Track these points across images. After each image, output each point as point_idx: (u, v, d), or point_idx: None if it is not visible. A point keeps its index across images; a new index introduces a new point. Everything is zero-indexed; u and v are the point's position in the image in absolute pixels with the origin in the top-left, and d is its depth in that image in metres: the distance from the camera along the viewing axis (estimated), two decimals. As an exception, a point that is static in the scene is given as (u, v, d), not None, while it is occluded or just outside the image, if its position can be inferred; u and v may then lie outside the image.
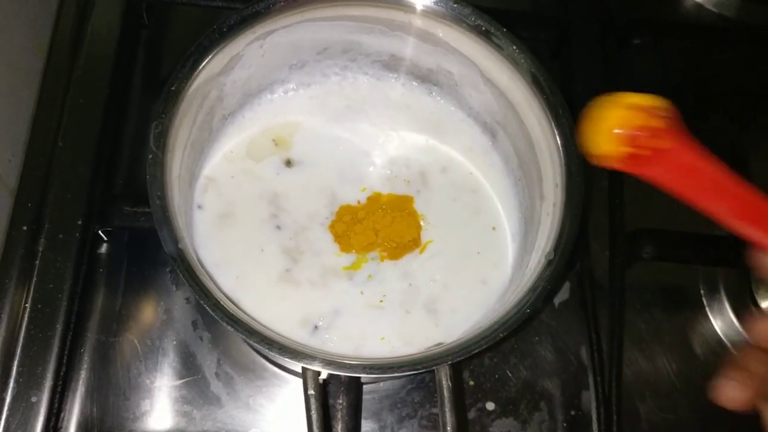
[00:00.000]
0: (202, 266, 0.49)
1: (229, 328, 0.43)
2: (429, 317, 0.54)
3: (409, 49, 0.58)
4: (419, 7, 0.53)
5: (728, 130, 0.72)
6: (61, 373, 0.54)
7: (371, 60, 0.60)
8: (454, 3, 0.52)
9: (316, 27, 0.55)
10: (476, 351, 0.43)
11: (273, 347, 0.43)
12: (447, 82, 0.60)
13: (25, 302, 0.55)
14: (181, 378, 0.57)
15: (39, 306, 0.55)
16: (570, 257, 0.46)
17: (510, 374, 0.60)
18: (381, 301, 0.54)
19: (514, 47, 0.51)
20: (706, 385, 0.61)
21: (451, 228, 0.57)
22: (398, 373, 0.43)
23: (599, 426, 0.57)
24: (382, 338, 0.53)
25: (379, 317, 0.54)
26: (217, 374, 0.58)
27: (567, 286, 0.63)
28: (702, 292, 0.65)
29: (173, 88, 0.48)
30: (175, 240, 0.44)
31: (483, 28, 0.52)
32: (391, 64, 0.60)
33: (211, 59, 0.50)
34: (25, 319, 0.55)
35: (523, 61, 0.51)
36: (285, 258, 0.55)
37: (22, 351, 0.54)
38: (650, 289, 0.64)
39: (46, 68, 0.63)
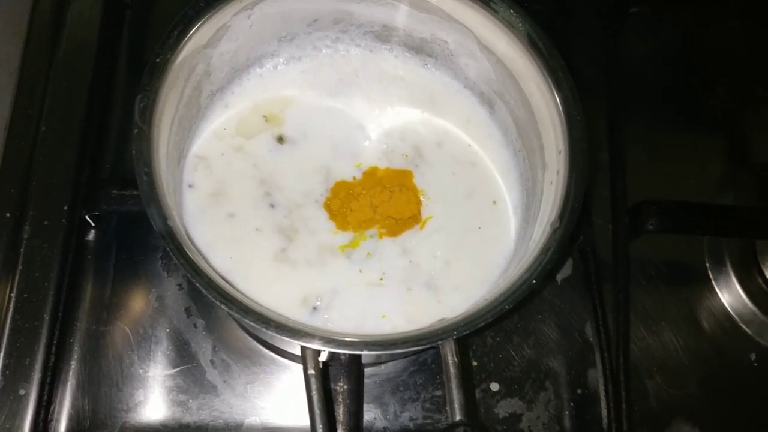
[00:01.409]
0: (195, 247, 0.47)
1: (223, 307, 0.41)
2: (431, 294, 0.52)
3: (401, 18, 0.56)
4: None
5: (728, 100, 0.71)
6: (50, 365, 0.52)
7: (363, 31, 0.58)
8: None
9: None
10: (482, 324, 0.42)
11: (270, 326, 0.41)
12: (442, 52, 0.58)
13: (11, 292, 0.53)
14: (175, 367, 0.56)
15: (25, 296, 0.53)
16: (576, 226, 0.45)
17: (514, 354, 0.59)
18: (381, 279, 0.52)
19: (511, 11, 0.50)
20: (713, 359, 0.61)
21: (450, 203, 0.56)
22: (401, 349, 0.41)
23: (607, 404, 0.55)
24: (383, 316, 0.51)
25: (380, 295, 0.52)
26: (212, 362, 0.56)
27: (569, 262, 0.62)
28: (707, 264, 0.64)
29: (158, 60, 0.46)
30: (164, 217, 0.42)
31: None
32: (383, 35, 0.58)
33: (197, 30, 0.48)
34: (11, 309, 0.53)
35: (520, 24, 0.50)
36: (280, 237, 0.53)
37: (8, 342, 0.52)
38: (654, 262, 0.63)
39: (24, 52, 0.61)
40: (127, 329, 0.56)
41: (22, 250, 0.54)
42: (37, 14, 0.63)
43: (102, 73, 0.61)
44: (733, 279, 0.62)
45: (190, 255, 0.41)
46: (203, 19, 0.48)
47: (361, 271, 0.53)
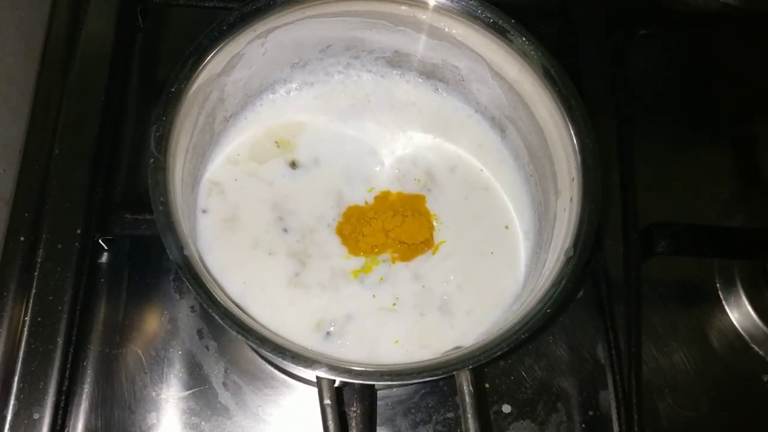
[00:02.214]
0: (208, 272, 0.48)
1: (239, 337, 0.41)
2: (444, 319, 0.53)
3: (413, 44, 0.56)
4: (430, 2, 0.51)
5: (735, 120, 0.71)
6: (64, 388, 0.53)
7: (375, 57, 0.59)
8: (474, 2, 0.51)
9: (318, 24, 0.53)
10: (498, 354, 0.42)
11: (286, 356, 0.41)
12: (453, 78, 0.58)
13: (25, 315, 0.54)
14: (187, 389, 0.56)
15: (39, 319, 0.54)
16: (590, 254, 0.45)
17: (525, 375, 0.59)
18: (394, 304, 0.53)
19: (524, 40, 0.50)
20: (725, 380, 0.61)
21: (463, 228, 0.56)
22: (418, 379, 0.41)
23: (620, 426, 0.55)
24: (396, 341, 0.51)
25: (393, 320, 0.52)
26: (224, 384, 0.56)
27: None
28: (718, 285, 0.64)
29: (173, 90, 0.46)
30: (180, 247, 0.42)
31: (491, 21, 0.51)
32: (395, 61, 0.59)
33: (211, 59, 0.48)
34: (25, 332, 0.53)
35: (533, 53, 0.50)
36: (293, 262, 0.53)
37: (22, 366, 0.53)
38: (665, 283, 0.63)
39: (39, 75, 0.62)
40: (140, 352, 0.57)
41: (36, 273, 0.55)
42: (52, 36, 0.64)
43: (114, 95, 0.62)
44: (744, 299, 0.62)
45: (206, 285, 0.42)
46: (217, 48, 0.48)
47: (374, 296, 0.53)
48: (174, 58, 0.66)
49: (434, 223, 0.56)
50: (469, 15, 0.51)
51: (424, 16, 0.53)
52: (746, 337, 0.62)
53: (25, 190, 0.58)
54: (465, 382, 0.42)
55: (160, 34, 0.68)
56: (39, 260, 0.55)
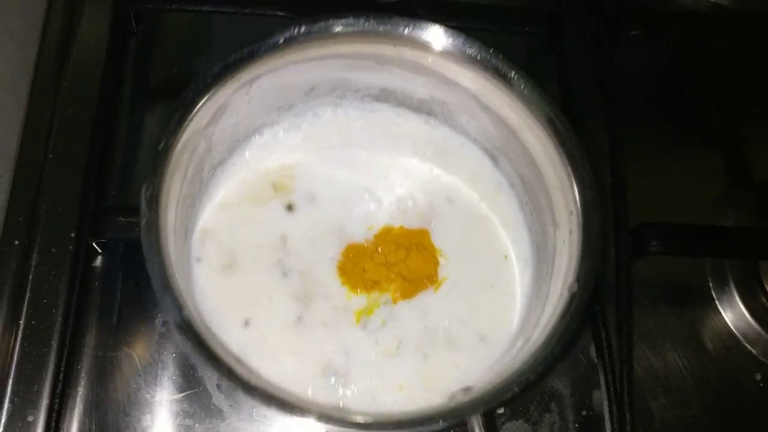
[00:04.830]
0: (206, 325, 0.47)
1: (245, 396, 0.41)
2: (448, 358, 0.52)
3: (400, 82, 0.55)
4: (435, 46, 0.50)
5: (724, 121, 0.71)
6: (58, 391, 0.53)
7: (361, 95, 0.58)
8: (463, 40, 0.50)
9: (302, 68, 0.53)
10: (510, 397, 0.42)
11: (295, 412, 0.41)
12: (441, 111, 0.57)
13: (19, 319, 0.54)
14: (181, 391, 0.56)
15: (33, 322, 0.54)
16: (593, 289, 0.44)
17: (518, 376, 0.59)
18: (397, 347, 0.52)
19: (514, 72, 0.49)
20: (718, 380, 0.61)
21: (463, 260, 0.55)
22: (427, 427, 0.41)
23: (612, 426, 0.55)
24: (400, 387, 0.51)
25: (397, 365, 0.52)
26: (218, 386, 0.56)
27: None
28: (711, 285, 0.64)
29: (161, 146, 0.45)
30: (179, 307, 0.42)
31: (478, 57, 0.50)
32: (381, 97, 0.58)
33: (197, 112, 0.47)
34: (19, 335, 0.54)
35: (515, 77, 0.49)
36: (294, 306, 0.53)
37: (16, 369, 0.53)
38: (657, 283, 0.63)
39: (33, 81, 0.62)
40: (134, 354, 0.57)
41: (30, 277, 0.55)
42: (46, 42, 0.64)
43: (107, 101, 0.62)
44: (737, 299, 0.62)
45: (207, 344, 0.41)
46: (203, 101, 0.47)
47: (377, 341, 0.52)
48: (168, 62, 0.67)
49: (440, 259, 0.55)
50: (464, 56, 0.50)
51: (408, 55, 0.52)
52: (739, 336, 0.62)
53: (19, 194, 0.58)
54: (477, 427, 0.42)
55: (154, 39, 0.69)
56: (33, 264, 0.55)
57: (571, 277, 0.45)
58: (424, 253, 0.55)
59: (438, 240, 0.56)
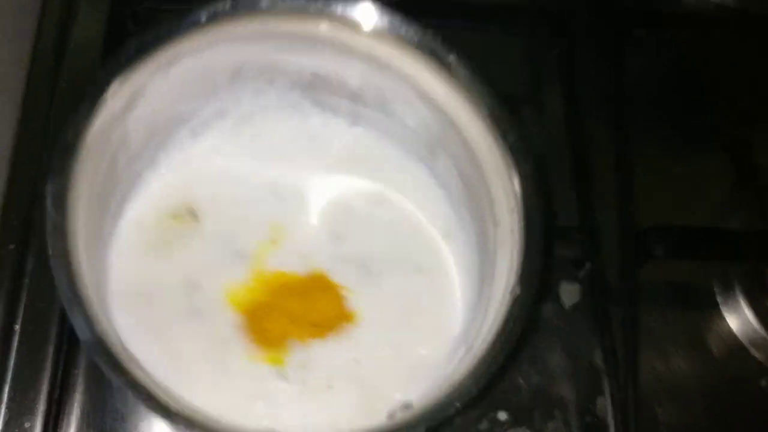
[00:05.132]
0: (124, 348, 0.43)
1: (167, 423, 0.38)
2: (384, 384, 0.48)
3: (332, 65, 0.52)
4: (367, 27, 0.47)
5: (731, 121, 0.71)
6: (55, 397, 0.52)
7: (291, 81, 0.54)
8: (399, 20, 0.46)
9: (227, 48, 0.49)
10: (453, 413, 0.39)
11: None
12: (375, 101, 0.54)
13: (15, 324, 0.53)
14: (180, 397, 0.55)
15: (30, 327, 0.53)
16: (538, 291, 0.42)
17: (521, 381, 0.58)
18: (328, 385, 0.49)
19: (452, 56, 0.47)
20: (723, 385, 0.61)
21: (388, 276, 0.52)
22: None
23: (616, 432, 0.55)
24: (336, 418, 0.48)
25: (330, 398, 0.49)
26: (217, 391, 0.56)
27: (577, 288, 0.61)
28: (716, 290, 0.63)
29: (69, 136, 0.41)
30: (91, 323, 0.38)
31: (414, 38, 0.47)
32: (313, 84, 0.55)
33: (110, 96, 0.43)
34: (15, 341, 0.53)
35: (454, 63, 0.46)
36: (213, 348, 0.49)
37: (13, 375, 0.52)
38: (662, 287, 0.62)
39: (28, 81, 0.61)
40: (132, 360, 0.56)
41: (26, 281, 0.54)
42: (41, 42, 0.63)
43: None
44: (742, 304, 0.62)
45: (124, 366, 0.38)
46: (116, 83, 0.44)
47: (303, 381, 0.49)
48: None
49: (344, 293, 0.52)
50: (400, 38, 0.47)
51: (346, 38, 0.49)
52: (744, 342, 0.61)
53: (14, 197, 0.57)
54: None
55: (151, 39, 0.68)
56: (29, 268, 0.55)
57: (513, 279, 0.43)
58: (326, 293, 0.51)
59: (363, 252, 0.53)
